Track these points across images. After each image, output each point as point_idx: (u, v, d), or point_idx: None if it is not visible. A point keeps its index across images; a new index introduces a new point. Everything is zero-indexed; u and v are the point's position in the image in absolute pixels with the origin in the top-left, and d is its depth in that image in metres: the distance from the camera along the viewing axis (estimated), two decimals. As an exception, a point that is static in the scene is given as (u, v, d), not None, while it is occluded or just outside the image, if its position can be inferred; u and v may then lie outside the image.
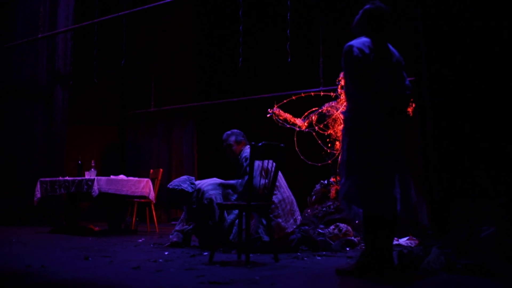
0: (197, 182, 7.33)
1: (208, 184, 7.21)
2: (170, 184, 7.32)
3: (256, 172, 6.30)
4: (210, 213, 6.98)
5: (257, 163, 6.44)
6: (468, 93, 6.01)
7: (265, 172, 6.24)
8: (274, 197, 6.57)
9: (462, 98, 6.02)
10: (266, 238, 6.39)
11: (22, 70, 12.03)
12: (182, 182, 7.27)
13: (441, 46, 6.14)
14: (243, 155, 6.99)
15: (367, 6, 4.88)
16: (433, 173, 6.19)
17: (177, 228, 7.39)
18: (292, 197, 6.90)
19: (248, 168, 6.24)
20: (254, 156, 5.58)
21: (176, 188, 7.20)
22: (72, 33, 11.86)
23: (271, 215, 6.50)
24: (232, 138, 7.20)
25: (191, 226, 7.22)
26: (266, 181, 6.11)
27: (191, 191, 7.18)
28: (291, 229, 6.67)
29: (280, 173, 6.67)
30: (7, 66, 12.03)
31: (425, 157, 6.33)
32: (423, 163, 6.37)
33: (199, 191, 7.11)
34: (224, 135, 7.27)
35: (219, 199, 6.96)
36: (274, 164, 5.96)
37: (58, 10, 11.93)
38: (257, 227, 6.55)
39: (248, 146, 7.04)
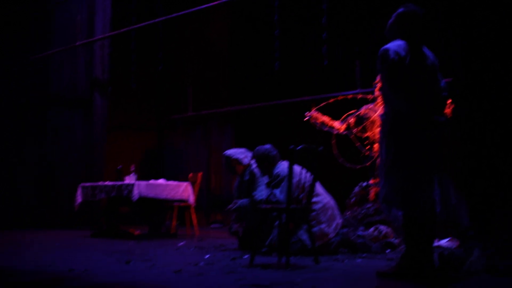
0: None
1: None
2: (226, 152, 7.63)
3: (295, 192, 6.13)
4: (253, 185, 7.23)
5: (295, 180, 6.18)
6: (507, 93, 5.95)
7: (301, 188, 6.16)
8: (315, 205, 6.57)
9: (501, 99, 5.97)
10: (307, 242, 6.35)
11: (61, 79, 12.22)
12: (239, 153, 7.44)
13: (480, 46, 6.09)
14: (275, 171, 6.79)
15: (401, 9, 4.86)
16: (473, 174, 6.14)
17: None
18: (333, 201, 6.87)
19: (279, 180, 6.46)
20: (293, 160, 5.58)
21: (231, 157, 7.48)
22: (110, 40, 11.98)
23: (313, 222, 6.51)
24: (254, 159, 7.06)
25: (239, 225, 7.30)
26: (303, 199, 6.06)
27: (246, 163, 7.33)
28: (334, 234, 6.65)
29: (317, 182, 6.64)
30: (47, 75, 12.20)
31: (464, 158, 6.28)
32: (462, 165, 6.32)
33: (250, 165, 7.40)
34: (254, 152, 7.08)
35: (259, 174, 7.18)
36: (311, 176, 5.97)
37: (95, 18, 12.05)
38: (297, 230, 6.55)
39: (281, 162, 6.88)
